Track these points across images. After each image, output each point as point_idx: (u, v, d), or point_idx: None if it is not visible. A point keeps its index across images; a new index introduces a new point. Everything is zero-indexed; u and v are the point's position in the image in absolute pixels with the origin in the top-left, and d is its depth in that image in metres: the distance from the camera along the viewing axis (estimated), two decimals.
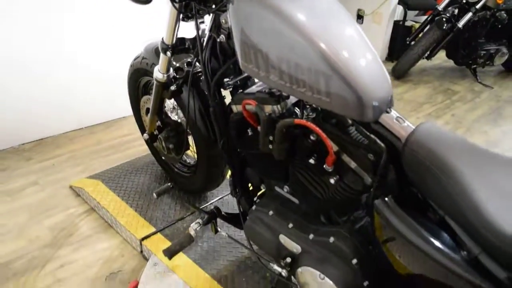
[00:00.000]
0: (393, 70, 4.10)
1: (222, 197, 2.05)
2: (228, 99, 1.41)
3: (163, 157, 2.09)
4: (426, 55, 3.99)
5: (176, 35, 1.53)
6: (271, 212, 1.36)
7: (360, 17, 4.53)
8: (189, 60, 1.68)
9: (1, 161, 2.50)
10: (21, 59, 2.46)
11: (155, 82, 1.70)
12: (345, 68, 0.98)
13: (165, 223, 1.91)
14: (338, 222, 1.26)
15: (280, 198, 1.38)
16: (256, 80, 1.41)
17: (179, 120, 1.89)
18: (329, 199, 1.19)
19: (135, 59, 1.98)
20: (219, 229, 1.63)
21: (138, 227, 1.89)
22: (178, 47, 1.54)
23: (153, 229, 1.88)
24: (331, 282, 1.16)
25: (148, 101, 1.95)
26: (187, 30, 1.55)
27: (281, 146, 1.17)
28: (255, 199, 1.57)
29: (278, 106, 1.20)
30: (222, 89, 1.42)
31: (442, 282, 0.99)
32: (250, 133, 1.34)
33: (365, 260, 1.15)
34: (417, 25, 4.24)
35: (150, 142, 1.99)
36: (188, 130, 1.76)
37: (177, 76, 1.65)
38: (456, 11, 3.72)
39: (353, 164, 1.11)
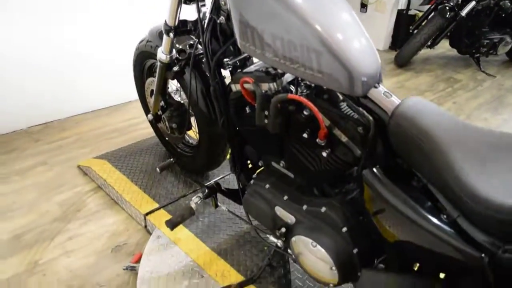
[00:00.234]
0: (395, 58, 4.14)
1: (223, 176, 2.12)
2: (228, 80, 1.47)
3: (166, 138, 2.17)
4: (428, 43, 4.02)
5: (178, 17, 1.60)
6: (267, 186, 1.43)
7: (363, 6, 4.56)
8: (191, 42, 1.74)
9: (10, 143, 2.59)
10: (31, 47, 2.55)
11: (158, 63, 1.77)
12: (336, 45, 1.05)
13: (168, 200, 1.99)
14: (330, 194, 1.33)
15: (276, 173, 1.45)
16: (254, 61, 1.47)
17: (181, 101, 1.97)
18: (321, 172, 1.25)
19: (140, 43, 2.05)
20: (219, 204, 1.70)
21: (143, 203, 1.98)
22: (180, 28, 1.60)
23: (157, 205, 1.96)
24: (322, 249, 1.23)
25: (152, 83, 2.02)
26: (188, 12, 1.62)
27: (275, 120, 1.23)
28: (253, 175, 1.64)
29: (274, 83, 1.27)
30: (222, 69, 1.49)
31: (426, 247, 1.06)
32: (248, 111, 1.41)
33: (354, 229, 1.22)
34: (420, 14, 4.26)
35: (154, 123, 2.07)
36: (190, 111, 1.83)
37: (180, 58, 1.72)
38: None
39: (344, 138, 1.17)
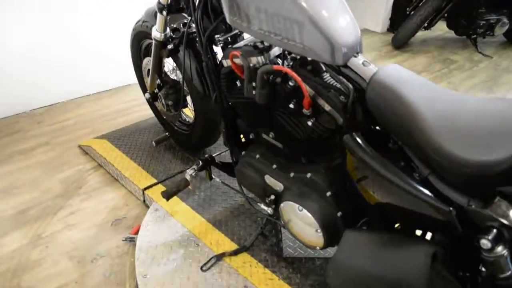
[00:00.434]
0: (393, 40, 4.16)
1: (220, 153, 2.19)
2: (220, 56, 1.53)
3: (164, 116, 2.23)
4: (425, 25, 4.04)
5: None
6: (257, 156, 1.50)
7: None
8: (185, 21, 1.80)
9: (14, 124, 2.67)
10: (33, 32, 2.61)
11: (153, 41, 1.83)
12: (317, 17, 1.11)
13: (166, 175, 2.06)
14: (316, 162, 1.39)
15: (266, 144, 1.51)
16: (245, 37, 1.53)
17: (177, 79, 2.03)
18: (307, 140, 1.31)
19: (136, 23, 2.10)
20: (213, 177, 1.77)
21: (141, 179, 2.05)
22: (173, 6, 1.66)
23: (155, 180, 2.03)
24: (308, 213, 1.30)
25: (149, 63, 2.07)
26: None
27: (262, 91, 1.29)
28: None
29: (262, 57, 1.33)
30: (214, 46, 1.55)
31: (402, 206, 1.13)
32: (238, 85, 1.47)
33: (338, 193, 1.29)
34: None
35: (151, 101, 2.13)
36: (185, 88, 1.90)
37: (174, 36, 1.78)
38: None
39: (327, 107, 1.23)
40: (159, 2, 1.67)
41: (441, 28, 4.58)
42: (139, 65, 2.24)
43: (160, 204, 1.87)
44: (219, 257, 1.61)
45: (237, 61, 1.36)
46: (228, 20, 1.33)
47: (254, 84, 1.31)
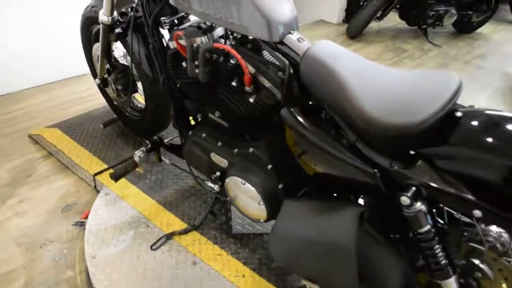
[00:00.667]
0: (347, 30, 4.27)
1: (172, 138, 2.20)
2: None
3: (115, 102, 2.22)
4: (378, 15, 4.17)
5: None
6: (204, 135, 1.53)
7: None
8: (133, 5, 1.80)
9: None
10: None
11: (101, 25, 1.82)
12: None
13: (117, 161, 2.06)
14: (259, 138, 1.43)
15: (212, 123, 1.54)
16: (191, 19, 1.55)
17: (127, 64, 2.02)
18: (249, 117, 1.35)
19: (85, 9, 2.08)
20: (163, 158, 1.79)
21: (92, 165, 2.04)
22: None
23: (106, 166, 2.02)
24: (250, 186, 1.34)
25: (99, 48, 2.06)
26: None
27: (204, 69, 1.32)
28: None
29: (205, 37, 1.36)
30: (161, 29, 1.57)
31: (336, 173, 1.19)
32: (184, 65, 1.49)
33: (279, 166, 1.34)
34: None
35: (102, 87, 2.12)
36: (135, 73, 1.90)
37: (122, 20, 1.78)
38: None
39: (267, 83, 1.28)
40: None
41: (394, 19, 4.73)
42: (90, 51, 2.22)
43: (110, 189, 1.87)
44: (169, 236, 1.63)
45: (182, 42, 1.39)
46: (171, 1, 1.36)
47: (197, 63, 1.34)
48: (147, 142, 1.74)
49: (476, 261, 1.10)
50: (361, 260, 1.05)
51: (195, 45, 1.34)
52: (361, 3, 4.16)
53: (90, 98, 2.82)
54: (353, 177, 1.11)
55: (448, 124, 0.99)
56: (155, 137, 1.76)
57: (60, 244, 1.72)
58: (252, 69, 1.28)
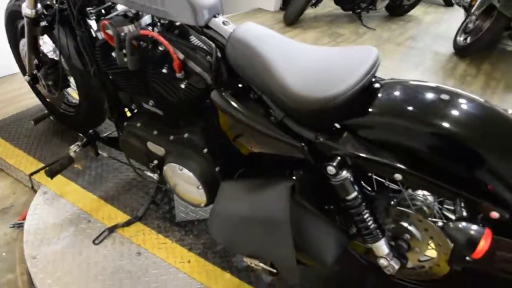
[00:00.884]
0: (284, 17, 4.34)
1: (110, 133, 2.16)
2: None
3: (47, 99, 2.16)
4: (313, 1, 4.27)
5: None
6: (139, 124, 1.52)
7: None
8: None
9: None
10: None
11: (25, 19, 1.75)
12: None
13: (54, 159, 1.99)
14: (194, 124, 1.44)
15: (147, 113, 1.53)
16: (118, 9, 1.53)
17: (56, 58, 1.96)
18: (182, 103, 1.36)
19: (9, 3, 1.99)
20: (100, 152, 1.76)
21: (28, 165, 1.97)
22: None
23: (42, 165, 1.96)
24: (188, 171, 1.36)
25: (26, 44, 1.98)
26: None
27: (132, 57, 1.31)
28: None
29: (132, 25, 1.35)
30: (88, 20, 1.53)
31: (267, 151, 1.23)
32: (113, 56, 1.47)
33: (214, 149, 1.36)
34: None
35: (32, 83, 2.04)
36: (66, 67, 1.85)
37: (47, 13, 1.72)
38: None
39: (197, 68, 1.29)
40: None
41: (330, 5, 4.86)
42: (17, 47, 2.13)
43: (48, 187, 1.82)
44: (112, 229, 1.61)
45: (109, 31, 1.37)
46: None
47: (124, 51, 1.33)
48: (82, 136, 1.71)
49: (405, 224, 1.18)
50: (296, 230, 1.10)
51: (122, 34, 1.33)
52: None
53: (24, 97, 2.69)
54: (284, 153, 1.15)
55: (369, 95, 1.05)
56: (90, 131, 1.73)
57: None
58: (181, 55, 1.29)
